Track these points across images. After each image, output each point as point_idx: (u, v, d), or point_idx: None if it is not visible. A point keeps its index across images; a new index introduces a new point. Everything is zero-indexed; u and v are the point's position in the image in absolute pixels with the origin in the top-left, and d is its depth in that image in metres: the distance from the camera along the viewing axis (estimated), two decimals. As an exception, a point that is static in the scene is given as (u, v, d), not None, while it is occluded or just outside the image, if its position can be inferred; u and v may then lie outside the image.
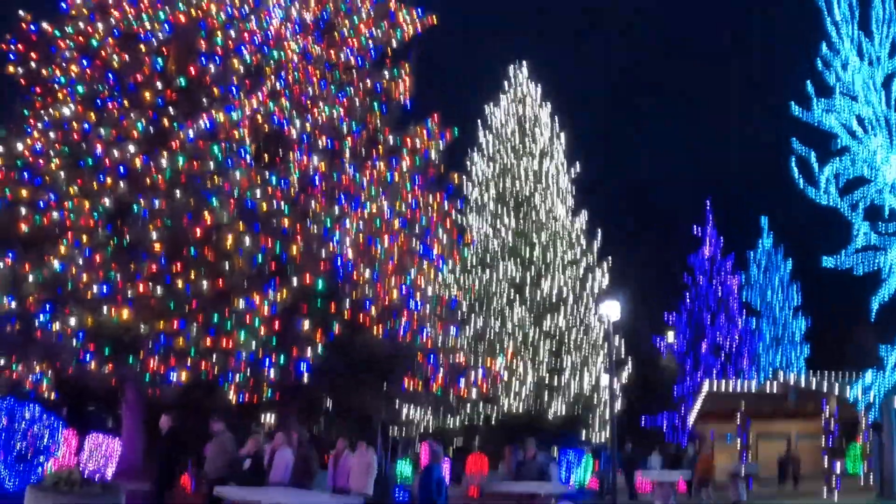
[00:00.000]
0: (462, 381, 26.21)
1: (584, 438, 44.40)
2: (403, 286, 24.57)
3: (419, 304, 25.19)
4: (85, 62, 22.96)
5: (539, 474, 19.48)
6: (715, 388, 39.11)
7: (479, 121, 48.90)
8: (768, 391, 36.84)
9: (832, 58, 22.88)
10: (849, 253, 21.75)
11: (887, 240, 21.90)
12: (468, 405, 38.29)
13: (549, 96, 50.26)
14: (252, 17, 24.54)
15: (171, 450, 17.51)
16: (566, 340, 44.49)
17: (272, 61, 24.69)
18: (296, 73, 25.19)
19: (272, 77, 24.47)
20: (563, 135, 49.23)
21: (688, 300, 57.72)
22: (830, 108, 22.54)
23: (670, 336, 58.28)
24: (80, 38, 23.35)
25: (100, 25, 23.30)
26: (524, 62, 50.69)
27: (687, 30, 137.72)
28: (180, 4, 23.43)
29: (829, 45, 22.94)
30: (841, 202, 21.87)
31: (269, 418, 34.26)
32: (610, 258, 47.17)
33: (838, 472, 31.95)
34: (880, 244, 21.83)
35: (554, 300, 44.72)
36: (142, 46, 23.02)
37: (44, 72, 23.10)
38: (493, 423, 42.38)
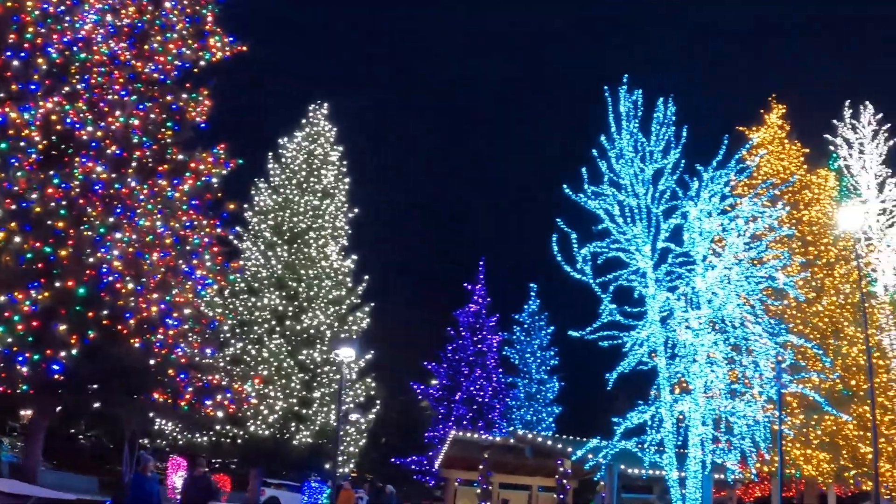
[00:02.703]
0: (210, 400, 26.65)
1: (327, 469, 45.49)
2: (164, 303, 24.96)
3: (177, 321, 25.63)
4: None
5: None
6: (461, 437, 41.17)
7: (270, 153, 49.90)
8: (510, 445, 39.15)
9: (609, 148, 24.36)
10: (594, 327, 22.93)
11: (631, 321, 23.27)
12: (217, 424, 38.44)
13: (344, 140, 51.83)
14: (66, 16, 24.42)
15: None
16: (319, 374, 45.53)
17: (77, 63, 24.68)
18: (99, 78, 25.18)
19: (75, 78, 24.47)
20: (347, 178, 50.79)
21: (449, 351, 60.08)
22: (598, 193, 23.88)
23: (432, 382, 60.14)
24: None
25: None
26: (325, 103, 52.20)
27: (481, 102, 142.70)
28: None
29: (607, 136, 24.39)
30: (594, 281, 23.16)
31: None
32: (373, 303, 48.72)
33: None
34: (625, 323, 23.16)
35: (312, 334, 45.84)
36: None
37: None
38: (239, 443, 42.80)
